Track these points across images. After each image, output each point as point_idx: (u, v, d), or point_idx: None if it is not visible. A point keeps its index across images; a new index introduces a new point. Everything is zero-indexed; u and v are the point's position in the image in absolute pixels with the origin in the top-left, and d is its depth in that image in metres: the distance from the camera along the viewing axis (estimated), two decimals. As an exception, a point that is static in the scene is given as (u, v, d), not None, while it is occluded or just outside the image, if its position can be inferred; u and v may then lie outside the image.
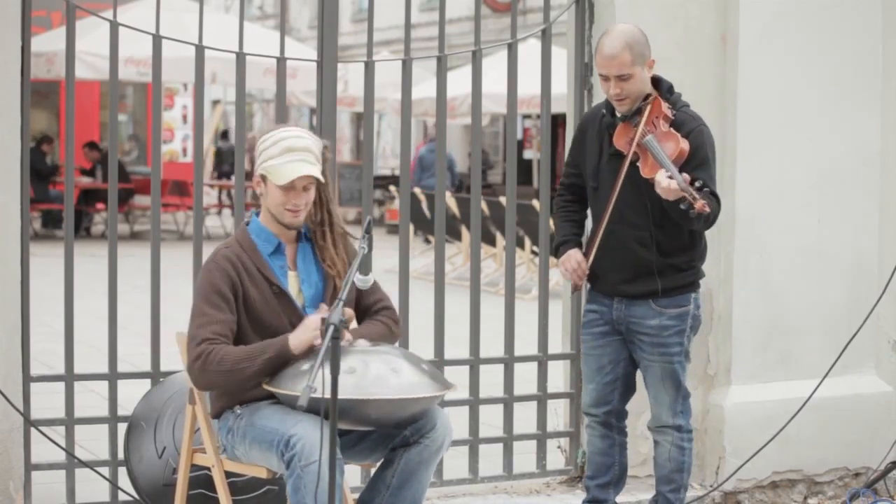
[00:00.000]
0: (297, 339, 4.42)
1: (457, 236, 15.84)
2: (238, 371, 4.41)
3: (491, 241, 15.27)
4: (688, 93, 6.00)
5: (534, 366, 6.30)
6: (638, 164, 4.98)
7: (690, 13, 6.09)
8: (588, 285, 5.31)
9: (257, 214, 4.65)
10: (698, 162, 5.00)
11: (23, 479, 5.40)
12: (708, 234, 5.97)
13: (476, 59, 6.10)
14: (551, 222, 5.45)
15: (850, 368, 6.30)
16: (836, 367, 6.07)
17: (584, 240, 5.34)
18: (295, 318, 4.54)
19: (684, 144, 4.96)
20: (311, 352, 4.41)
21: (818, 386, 6.01)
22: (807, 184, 6.25)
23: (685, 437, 5.24)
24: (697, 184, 4.82)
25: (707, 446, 6.18)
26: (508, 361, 6.22)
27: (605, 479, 5.34)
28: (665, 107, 5.05)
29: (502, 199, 13.82)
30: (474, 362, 6.15)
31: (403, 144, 6.06)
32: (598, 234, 5.10)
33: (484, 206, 13.76)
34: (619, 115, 5.09)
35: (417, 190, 16.94)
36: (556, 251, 5.29)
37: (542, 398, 6.25)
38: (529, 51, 9.43)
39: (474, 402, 6.13)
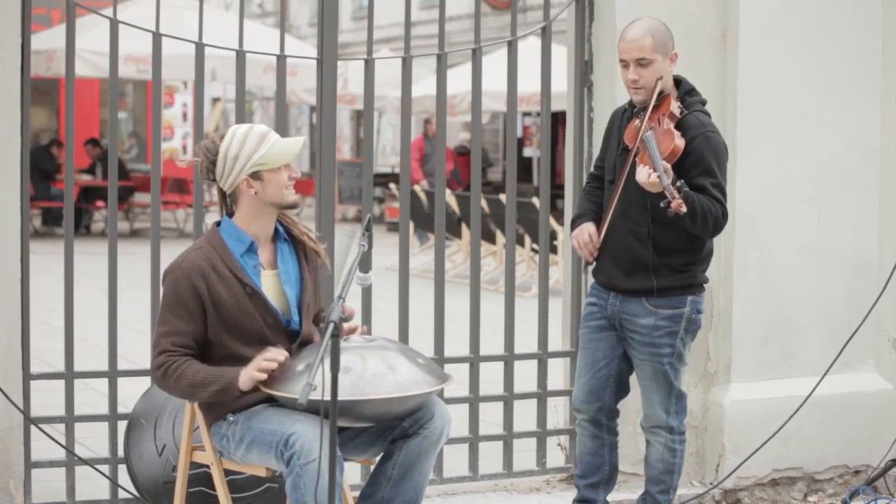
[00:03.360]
0: (247, 375, 4.39)
1: (457, 234, 15.84)
2: (191, 394, 4.48)
3: (491, 239, 15.27)
4: (688, 90, 6.00)
5: (534, 363, 6.30)
6: (638, 158, 5.00)
7: (690, 10, 6.09)
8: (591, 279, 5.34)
9: (230, 216, 4.60)
10: (702, 168, 4.97)
11: (23, 477, 5.40)
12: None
13: (476, 56, 6.10)
14: (551, 220, 5.47)
15: (850, 366, 6.30)
16: (836, 364, 6.07)
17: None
18: (269, 317, 4.51)
19: (679, 142, 4.93)
20: (305, 351, 4.42)
21: (818, 383, 6.01)
22: (807, 181, 6.24)
23: (677, 438, 5.21)
24: (678, 183, 4.79)
25: (707, 444, 6.18)
26: (508, 359, 6.22)
27: (595, 478, 5.33)
28: (674, 105, 5.02)
29: (502, 197, 13.82)
30: (474, 360, 6.15)
31: (403, 142, 6.06)
32: (607, 216, 5.11)
33: (484, 203, 13.76)
34: (636, 107, 5.11)
35: (417, 188, 16.94)
36: (572, 224, 5.31)
37: (542, 396, 6.26)
38: (529, 48, 9.43)
39: (474, 400, 6.13)
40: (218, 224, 4.59)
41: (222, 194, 4.59)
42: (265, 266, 4.57)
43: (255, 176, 4.49)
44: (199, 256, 4.48)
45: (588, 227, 5.16)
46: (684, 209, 4.75)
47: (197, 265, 4.46)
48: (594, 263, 5.23)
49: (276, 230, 4.63)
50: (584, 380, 5.26)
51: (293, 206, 4.59)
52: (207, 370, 4.42)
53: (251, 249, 4.54)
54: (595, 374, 5.22)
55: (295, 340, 4.56)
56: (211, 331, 4.47)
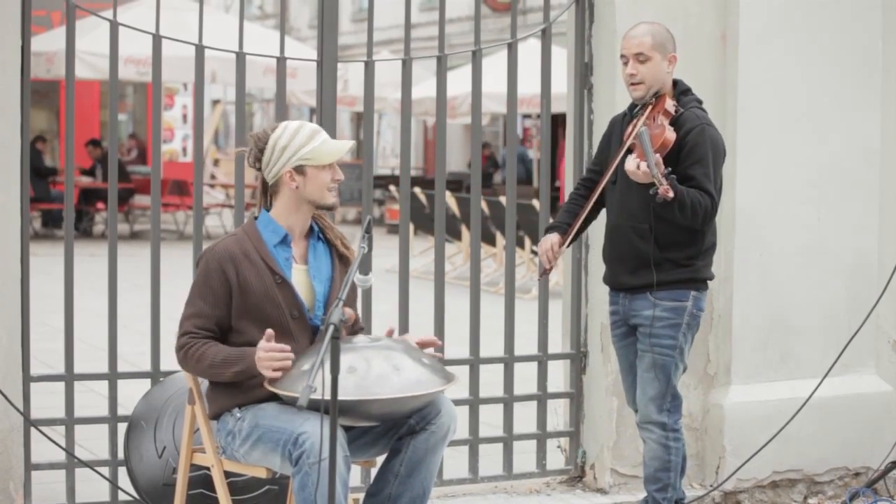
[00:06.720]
0: (260, 362, 4.41)
1: (457, 236, 15.84)
2: (211, 374, 4.52)
3: (491, 241, 15.27)
4: (688, 92, 6.00)
5: (534, 365, 6.30)
6: (633, 154, 5.07)
7: (690, 11, 6.09)
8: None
9: (267, 210, 4.66)
10: (695, 159, 5.08)
11: (23, 479, 5.40)
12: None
13: (476, 58, 6.10)
14: (551, 221, 5.51)
15: (850, 368, 6.30)
16: (836, 366, 6.07)
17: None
18: (295, 310, 4.55)
19: (670, 134, 5.05)
20: (311, 351, 4.43)
21: (818, 385, 6.01)
22: (807, 182, 6.24)
23: (670, 435, 5.24)
24: (666, 170, 4.90)
25: (707, 446, 6.18)
26: (508, 361, 6.22)
27: None
28: (669, 104, 5.14)
29: (502, 199, 13.82)
30: (474, 362, 6.14)
31: (403, 144, 6.06)
32: (578, 219, 5.27)
33: (484, 205, 13.76)
34: (634, 110, 5.22)
35: (418, 189, 16.95)
36: (546, 232, 5.41)
37: (542, 398, 6.25)
38: (529, 50, 9.42)
39: (474, 402, 6.13)
40: (255, 218, 4.66)
41: (264, 188, 4.66)
42: (297, 260, 4.64)
43: (300, 170, 4.57)
44: (232, 242, 4.58)
45: (552, 238, 5.30)
46: (671, 194, 4.86)
47: (229, 250, 4.55)
48: (549, 273, 5.37)
49: (311, 228, 4.69)
50: (627, 385, 5.41)
51: (331, 207, 4.65)
52: (228, 351, 4.48)
53: (284, 242, 4.61)
54: (632, 378, 5.35)
55: (315, 336, 4.60)
56: (234, 316, 4.53)
